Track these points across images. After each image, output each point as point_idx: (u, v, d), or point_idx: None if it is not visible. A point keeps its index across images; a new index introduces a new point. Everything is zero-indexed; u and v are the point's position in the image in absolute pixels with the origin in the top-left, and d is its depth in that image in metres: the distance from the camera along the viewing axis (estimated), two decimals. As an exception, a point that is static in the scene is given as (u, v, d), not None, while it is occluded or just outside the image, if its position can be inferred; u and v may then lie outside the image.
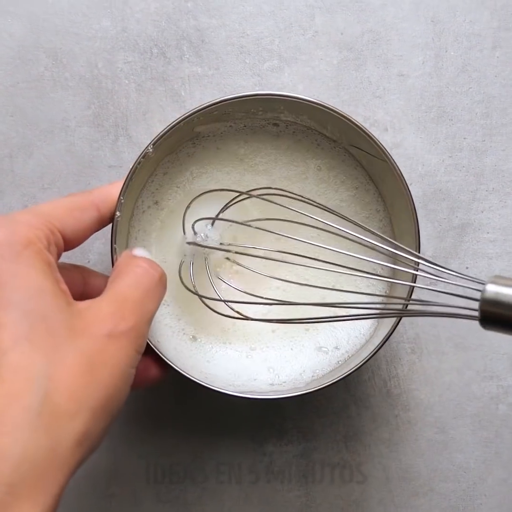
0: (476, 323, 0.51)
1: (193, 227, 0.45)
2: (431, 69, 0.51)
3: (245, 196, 0.44)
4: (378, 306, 0.46)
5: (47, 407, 0.30)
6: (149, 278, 0.37)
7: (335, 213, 0.42)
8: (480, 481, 0.51)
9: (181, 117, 0.43)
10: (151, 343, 0.42)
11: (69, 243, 0.37)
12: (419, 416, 0.51)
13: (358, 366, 0.42)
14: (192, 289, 0.45)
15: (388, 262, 0.41)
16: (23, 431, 0.29)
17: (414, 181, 0.51)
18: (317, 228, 0.42)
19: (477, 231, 0.51)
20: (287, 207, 0.42)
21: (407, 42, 0.51)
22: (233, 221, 0.44)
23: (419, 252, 0.43)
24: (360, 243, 0.40)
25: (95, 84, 0.50)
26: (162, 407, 0.50)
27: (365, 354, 0.43)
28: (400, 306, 0.44)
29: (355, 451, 0.51)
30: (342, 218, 0.42)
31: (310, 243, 0.40)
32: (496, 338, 0.51)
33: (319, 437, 0.51)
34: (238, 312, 0.44)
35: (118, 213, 0.41)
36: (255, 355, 0.47)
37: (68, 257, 0.50)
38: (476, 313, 0.32)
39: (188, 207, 0.45)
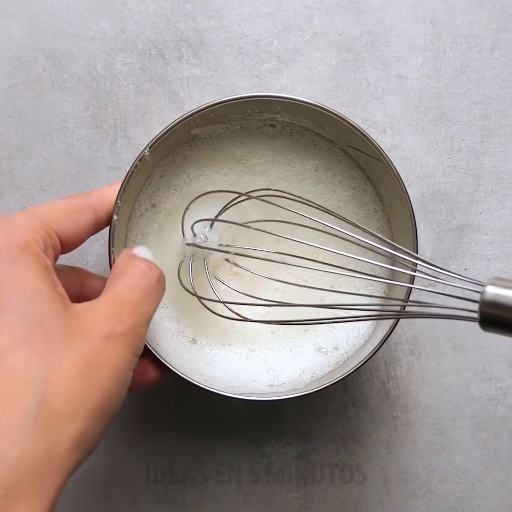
0: (475, 325, 0.51)
1: (192, 229, 0.45)
2: (430, 70, 0.51)
3: (244, 197, 0.44)
4: (377, 307, 0.46)
5: (44, 410, 0.30)
6: (147, 279, 0.37)
7: (333, 214, 0.42)
8: (479, 483, 0.51)
9: (177, 120, 0.43)
10: (150, 346, 0.42)
11: (66, 245, 0.37)
12: (417, 418, 0.51)
13: (357, 366, 0.43)
14: (191, 290, 0.45)
15: (386, 263, 0.41)
16: (20, 434, 0.29)
17: (413, 183, 0.51)
18: (315, 229, 0.42)
19: (475, 232, 0.51)
20: (286, 209, 0.42)
21: (405, 43, 0.51)
22: (232, 223, 0.44)
23: (417, 252, 0.43)
24: (358, 244, 0.40)
25: (93, 86, 0.50)
26: (161, 408, 0.50)
27: (364, 354, 0.43)
28: (398, 308, 0.44)
29: (353, 453, 0.51)
30: (340, 219, 0.42)
31: (309, 244, 0.40)
32: (495, 339, 0.51)
33: (317, 439, 0.51)
34: (237, 314, 0.44)
35: (115, 217, 0.41)
36: (255, 356, 0.47)
37: (67, 258, 0.50)
38: (475, 315, 0.32)
39: (187, 208, 0.45)
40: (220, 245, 0.46)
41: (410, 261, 0.38)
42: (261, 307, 0.46)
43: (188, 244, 0.46)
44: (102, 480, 0.50)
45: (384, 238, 0.40)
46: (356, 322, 0.47)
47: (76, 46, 0.50)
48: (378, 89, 0.51)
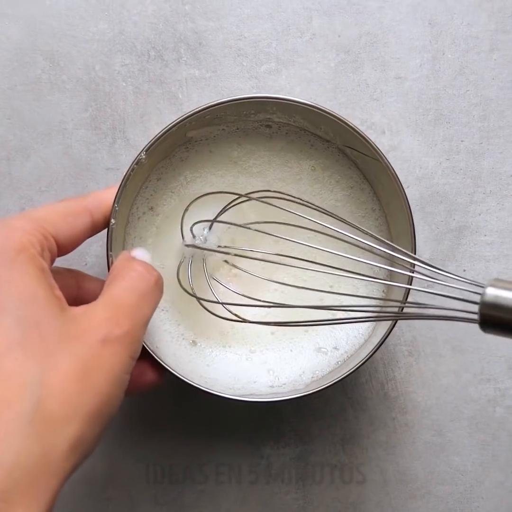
0: (473, 326, 0.50)
1: (191, 230, 0.45)
2: (429, 71, 0.51)
3: (243, 198, 0.44)
4: (376, 308, 0.46)
5: (40, 413, 0.30)
6: (145, 282, 0.37)
7: (332, 215, 0.42)
8: (477, 484, 0.51)
9: (173, 122, 0.43)
10: (149, 348, 0.42)
11: (63, 248, 0.37)
12: (416, 419, 0.51)
13: (358, 365, 0.43)
14: (190, 291, 0.45)
15: (385, 264, 0.41)
16: (16, 437, 0.29)
17: (411, 184, 0.51)
18: (314, 230, 0.42)
19: (474, 233, 0.51)
20: (285, 210, 0.42)
21: (404, 44, 0.51)
22: (232, 224, 0.44)
23: (415, 252, 0.43)
24: (357, 245, 0.40)
25: (92, 87, 0.50)
26: (160, 410, 0.50)
27: (364, 354, 0.43)
28: (402, 309, 0.44)
29: (352, 454, 0.51)
30: (339, 220, 0.42)
31: (308, 245, 0.40)
32: (494, 341, 0.51)
33: (316, 440, 0.51)
34: (236, 315, 0.44)
35: (113, 221, 0.41)
36: (255, 357, 0.47)
37: (65, 259, 0.49)
38: (475, 316, 0.32)
39: (186, 210, 0.45)
40: (219, 246, 0.46)
41: (409, 262, 0.38)
42: (261, 308, 0.46)
43: (187, 246, 0.46)
44: (101, 482, 0.50)
45: (383, 239, 0.40)
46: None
47: (74, 47, 0.50)
48: (377, 90, 0.51)
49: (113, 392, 0.33)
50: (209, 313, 0.44)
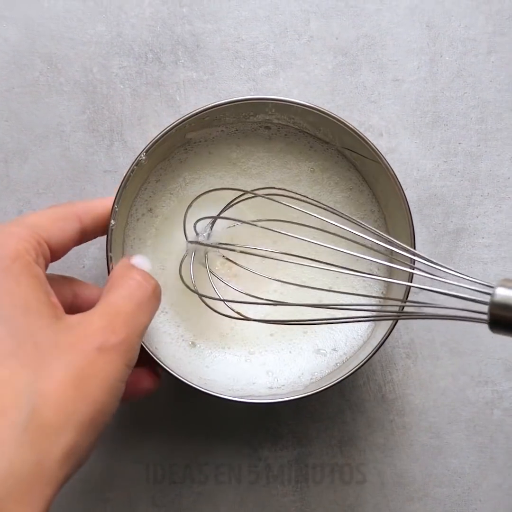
0: (471, 328, 0.51)
1: (195, 227, 0.45)
2: (426, 74, 0.51)
3: (249, 195, 0.44)
4: (377, 307, 0.46)
5: (34, 421, 0.30)
6: (142, 290, 0.37)
7: (337, 212, 0.41)
8: (475, 486, 0.51)
9: (172, 124, 0.43)
10: (149, 350, 0.42)
11: (54, 254, 0.37)
12: (414, 421, 0.51)
13: (357, 367, 0.43)
14: (192, 288, 0.44)
15: (386, 263, 0.41)
16: (9, 445, 0.29)
17: (409, 186, 0.51)
18: (317, 228, 0.41)
19: (472, 236, 0.51)
20: (293, 207, 0.42)
21: (402, 47, 0.51)
22: (237, 220, 0.44)
23: (413, 261, 0.43)
24: (359, 243, 0.40)
25: (90, 89, 0.50)
26: (159, 411, 0.50)
27: (363, 355, 0.43)
28: (403, 308, 0.44)
29: (350, 456, 0.51)
30: (344, 217, 0.41)
31: (312, 242, 0.40)
32: (491, 343, 0.51)
33: (314, 442, 0.51)
34: (238, 313, 0.43)
35: (112, 222, 0.41)
36: (254, 359, 0.47)
37: (63, 262, 0.49)
38: (484, 317, 0.32)
39: (189, 206, 0.45)
40: (219, 243, 0.45)
41: (412, 260, 0.38)
42: (261, 309, 0.46)
43: (191, 242, 0.45)
44: (100, 483, 0.50)
45: (387, 236, 0.40)
46: (355, 324, 0.47)
47: (72, 49, 0.50)
48: (375, 93, 0.51)
49: (108, 400, 0.33)
50: (209, 315, 0.44)
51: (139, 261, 0.39)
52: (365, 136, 0.44)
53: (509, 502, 0.51)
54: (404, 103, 0.51)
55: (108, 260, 0.42)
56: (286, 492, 0.51)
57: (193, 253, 0.46)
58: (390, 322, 0.43)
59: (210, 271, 0.45)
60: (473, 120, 0.51)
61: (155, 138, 0.43)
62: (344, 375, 0.43)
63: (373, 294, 0.47)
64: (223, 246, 0.44)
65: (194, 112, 0.43)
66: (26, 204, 0.50)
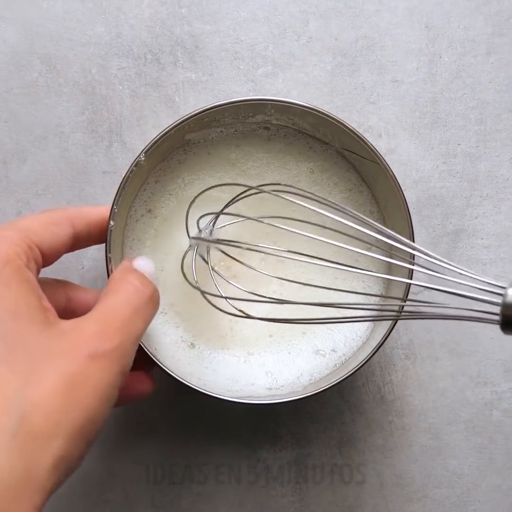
0: (470, 329, 0.51)
1: (198, 223, 0.45)
2: (425, 75, 0.51)
3: (254, 191, 0.43)
4: (383, 307, 0.46)
5: (23, 428, 0.29)
6: (139, 295, 0.36)
7: (342, 209, 0.41)
8: (474, 487, 0.51)
9: (172, 125, 0.43)
10: (148, 351, 0.42)
11: (46, 258, 0.37)
12: (413, 422, 0.51)
13: (356, 368, 0.43)
14: (194, 284, 0.44)
15: (394, 261, 0.40)
16: None
17: (408, 187, 0.51)
18: (321, 226, 0.41)
19: (471, 237, 0.51)
20: (301, 204, 0.41)
21: (401, 47, 0.51)
22: (242, 216, 0.43)
23: (412, 256, 0.43)
24: (364, 241, 0.39)
25: (89, 90, 0.50)
26: (158, 412, 0.50)
27: (362, 356, 0.43)
28: (405, 308, 0.43)
29: (349, 457, 0.51)
30: (351, 216, 0.41)
31: (318, 239, 0.39)
32: (490, 344, 0.51)
33: (313, 443, 0.51)
34: (241, 311, 0.43)
35: (112, 223, 0.41)
36: (253, 360, 0.47)
37: (62, 263, 0.49)
38: (496, 317, 0.31)
39: (192, 202, 0.44)
40: (225, 241, 0.45)
41: (413, 257, 0.37)
42: (262, 309, 0.46)
43: (193, 238, 0.45)
44: (98, 484, 0.50)
45: (394, 234, 0.39)
46: (354, 324, 0.47)
47: (71, 50, 0.50)
48: (374, 94, 0.51)
49: (100, 407, 0.32)
50: (208, 316, 0.44)
51: (142, 263, 0.38)
52: (364, 137, 0.44)
53: (508, 503, 0.51)
54: (403, 104, 0.51)
55: (107, 261, 0.42)
56: (285, 493, 0.51)
57: (195, 249, 0.45)
58: (389, 323, 0.43)
59: (212, 269, 0.45)
60: (472, 121, 0.51)
61: (154, 139, 0.43)
62: (343, 376, 0.43)
63: (375, 294, 0.47)
64: (230, 243, 0.44)
65: (193, 113, 0.43)
66: (25, 205, 0.50)
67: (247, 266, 0.45)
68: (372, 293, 0.47)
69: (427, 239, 0.51)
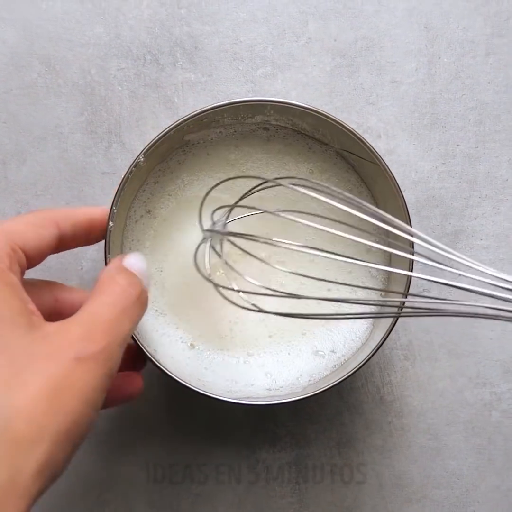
0: (470, 329, 0.51)
1: (212, 216, 0.44)
2: (424, 75, 0.51)
3: (271, 184, 0.42)
4: (391, 303, 0.45)
5: (6, 434, 0.29)
6: (126, 296, 0.35)
7: (355, 201, 0.40)
8: (473, 488, 0.51)
9: (171, 125, 0.43)
10: (148, 351, 0.42)
11: (30, 260, 0.36)
12: (412, 423, 0.51)
13: (355, 369, 0.43)
14: (207, 276, 0.43)
15: (403, 253, 0.40)
16: None
17: (407, 188, 0.51)
18: (335, 220, 0.40)
19: (470, 237, 0.51)
20: (315, 197, 0.40)
21: (400, 48, 0.51)
22: (256, 209, 0.42)
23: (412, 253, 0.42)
24: (378, 235, 0.39)
25: (88, 91, 0.50)
26: (157, 412, 0.50)
27: (361, 357, 0.43)
28: (416, 304, 0.43)
29: (348, 458, 0.51)
30: (367, 209, 0.40)
31: (326, 230, 0.38)
32: (489, 345, 0.51)
33: (312, 444, 0.51)
34: (253, 304, 0.42)
35: (111, 223, 0.41)
36: (252, 360, 0.47)
37: (61, 262, 0.50)
38: None
39: (207, 194, 0.43)
40: (239, 234, 0.44)
41: (441, 255, 0.37)
42: (270, 305, 0.45)
43: (207, 231, 0.44)
44: (97, 485, 0.50)
45: (408, 227, 0.38)
46: (354, 325, 0.47)
47: (70, 51, 0.50)
48: (373, 95, 0.51)
49: (85, 411, 0.31)
50: (208, 317, 0.43)
51: (132, 261, 0.38)
52: (363, 138, 0.44)
53: (507, 503, 0.51)
54: (402, 104, 0.51)
55: (107, 262, 0.42)
56: (284, 494, 0.51)
57: (209, 242, 0.45)
58: (389, 323, 0.43)
59: (225, 262, 0.44)
60: (471, 122, 0.51)
61: (153, 139, 0.43)
62: (342, 377, 0.43)
63: (376, 296, 0.47)
64: (245, 236, 0.42)
65: (193, 113, 0.43)
66: (24, 206, 0.50)
67: (259, 259, 0.43)
68: (371, 294, 0.47)
69: (426, 240, 0.51)
